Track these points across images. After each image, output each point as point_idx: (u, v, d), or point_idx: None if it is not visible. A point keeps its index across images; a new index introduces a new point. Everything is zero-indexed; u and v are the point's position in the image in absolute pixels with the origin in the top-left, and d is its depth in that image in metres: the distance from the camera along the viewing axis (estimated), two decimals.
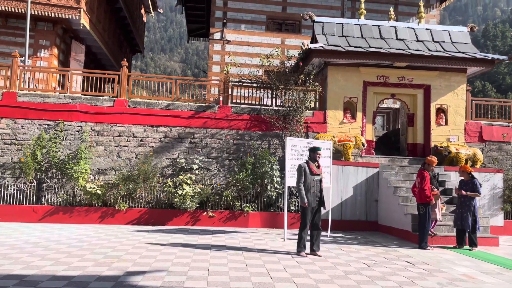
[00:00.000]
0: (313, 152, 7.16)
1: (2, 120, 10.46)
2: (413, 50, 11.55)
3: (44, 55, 15.40)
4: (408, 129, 12.18)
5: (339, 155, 10.95)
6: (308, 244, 7.03)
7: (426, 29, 12.54)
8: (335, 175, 10.26)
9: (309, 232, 7.08)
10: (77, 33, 17.08)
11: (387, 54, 11.17)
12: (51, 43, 15.61)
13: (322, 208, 7.07)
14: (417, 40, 12.13)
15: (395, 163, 11.24)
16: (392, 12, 12.96)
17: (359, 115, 11.65)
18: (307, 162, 7.12)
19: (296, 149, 8.87)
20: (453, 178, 10.65)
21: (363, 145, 10.98)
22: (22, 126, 10.54)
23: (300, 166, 7.05)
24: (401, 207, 9.33)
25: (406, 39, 12.09)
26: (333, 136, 10.94)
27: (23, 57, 13.26)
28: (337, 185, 10.41)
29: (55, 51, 15.79)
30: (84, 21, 15.64)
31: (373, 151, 11.76)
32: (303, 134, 11.40)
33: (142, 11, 27.46)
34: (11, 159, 10.37)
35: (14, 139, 10.46)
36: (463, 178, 8.51)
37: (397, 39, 12.09)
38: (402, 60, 11.34)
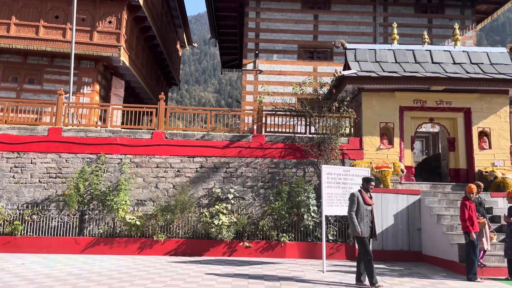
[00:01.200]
0: (367, 183, 7.11)
1: (48, 154, 10.97)
2: (450, 73, 11.29)
3: (87, 92, 16.20)
4: (450, 153, 11.76)
5: (377, 182, 10.66)
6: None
7: (463, 51, 12.28)
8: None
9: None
10: (117, 69, 17.93)
11: (423, 78, 10.96)
12: (93, 79, 16.43)
13: (372, 239, 7.02)
14: (454, 63, 11.87)
15: (437, 190, 10.81)
16: (426, 36, 12.82)
17: (396, 140, 11.39)
18: (360, 191, 7.05)
19: (332, 177, 8.74)
20: (500, 205, 10.09)
21: (402, 172, 10.67)
22: (66, 160, 11.01)
23: (353, 195, 6.99)
24: (446, 236, 8.89)
25: (442, 62, 11.86)
26: (370, 163, 10.72)
27: (68, 94, 13.99)
28: (377, 214, 10.07)
29: (97, 87, 16.59)
30: (124, 58, 16.41)
31: (413, 178, 11.39)
32: (339, 161, 11.24)
33: (178, 46, 28.56)
34: (56, 192, 10.79)
35: (59, 173, 10.92)
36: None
37: (433, 62, 11.88)
38: (439, 84, 11.08)
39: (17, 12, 16.07)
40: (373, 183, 7.14)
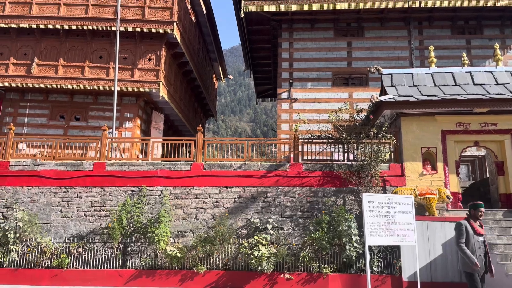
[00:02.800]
0: (475, 209, 6.59)
1: (93, 188, 11.38)
2: (493, 94, 10.87)
3: (129, 126, 16.85)
4: (499, 178, 11.15)
5: (422, 210, 10.25)
6: None
7: (506, 71, 11.84)
8: (420, 232, 9.54)
9: None
10: (157, 103, 18.61)
11: (465, 101, 10.61)
12: (135, 115, 17.10)
13: (486, 275, 6.38)
14: (497, 84, 11.45)
15: (487, 217, 10.21)
16: (465, 57, 12.50)
17: (440, 165, 10.96)
18: (467, 220, 6.54)
19: (374, 205, 8.47)
20: None
21: (449, 198, 10.19)
22: (110, 193, 11.36)
23: (460, 224, 6.48)
24: (501, 266, 8.33)
25: (484, 84, 11.47)
26: (414, 190, 10.33)
27: (111, 129, 14.60)
28: (423, 243, 9.64)
29: (138, 121, 17.23)
30: (163, 93, 17.03)
31: (461, 204, 10.85)
32: (380, 188, 10.92)
33: (214, 79, 29.36)
34: (100, 224, 11.11)
35: (103, 206, 11.26)
36: None
37: (474, 84, 11.52)
38: (483, 106, 10.68)
39: (64, 54, 17.18)
40: (482, 209, 6.56)
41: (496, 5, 16.76)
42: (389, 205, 8.65)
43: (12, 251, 10.36)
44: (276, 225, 10.89)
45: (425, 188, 10.43)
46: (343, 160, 11.59)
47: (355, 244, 9.96)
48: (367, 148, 11.21)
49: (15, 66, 17.04)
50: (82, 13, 17.09)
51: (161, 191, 11.36)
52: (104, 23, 16.87)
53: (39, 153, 12.52)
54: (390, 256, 10.00)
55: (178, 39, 17.63)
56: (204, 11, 21.85)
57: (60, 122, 17.12)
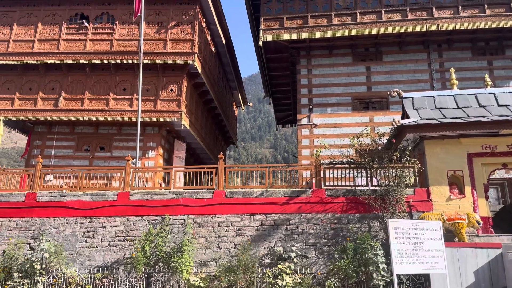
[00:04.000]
0: None
1: (117, 218, 11.51)
2: None
3: (151, 156, 17.12)
4: None
5: (450, 236, 9.91)
6: None
7: None
8: (450, 259, 9.19)
9: None
10: (178, 132, 18.91)
11: (491, 122, 10.38)
12: (157, 144, 17.40)
13: None
14: None
15: None
16: (487, 79, 12.33)
17: (467, 189, 10.65)
18: None
19: (400, 232, 8.28)
20: None
21: (478, 223, 9.84)
22: (133, 223, 11.45)
23: None
24: None
25: (509, 105, 11.23)
26: (441, 215, 10.03)
27: (134, 159, 14.85)
28: (454, 271, 9.25)
29: (160, 151, 17.50)
30: (185, 122, 17.33)
31: (491, 229, 10.44)
32: (406, 214, 10.64)
33: (234, 107, 29.74)
34: (124, 254, 11.15)
35: (127, 236, 11.33)
36: None
37: (499, 105, 11.29)
38: (509, 127, 10.41)
39: (89, 88, 17.80)
40: None
41: None
42: (417, 231, 8.42)
43: (39, 282, 10.46)
44: (300, 253, 10.69)
45: (453, 213, 10.12)
46: (367, 185, 11.40)
47: (382, 273, 9.65)
48: (391, 173, 11.01)
49: (43, 100, 17.72)
50: (107, 48, 17.78)
51: (184, 219, 11.37)
52: (127, 56, 17.48)
53: (65, 184, 12.82)
54: (419, 285, 9.63)
55: (199, 69, 18.05)
56: (224, 42, 22.39)
57: (86, 153, 17.56)
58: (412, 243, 8.17)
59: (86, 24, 18.30)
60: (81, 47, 17.89)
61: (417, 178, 11.32)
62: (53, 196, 11.91)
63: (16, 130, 20.23)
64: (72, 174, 13.05)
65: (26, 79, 18.17)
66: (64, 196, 11.89)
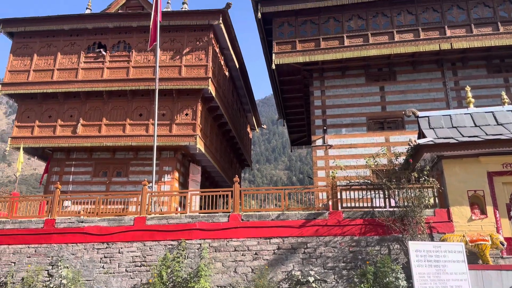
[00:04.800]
0: None
1: (133, 243, 11.51)
2: None
3: (167, 180, 17.23)
4: None
5: (474, 258, 9.59)
6: None
7: None
8: (474, 283, 8.87)
9: None
10: (194, 156, 19.04)
11: (510, 140, 10.18)
12: (173, 168, 17.53)
13: None
14: None
15: None
16: (504, 96, 12.17)
17: (489, 209, 10.37)
18: None
19: (422, 255, 8.07)
20: None
21: (503, 244, 9.52)
22: (150, 248, 11.43)
23: None
24: None
25: None
26: (463, 236, 9.74)
27: (151, 184, 14.95)
28: None
29: (176, 175, 17.60)
30: (200, 145, 17.46)
31: None
32: (426, 236, 10.37)
33: (248, 129, 29.91)
34: (141, 280, 11.09)
35: (143, 261, 11.30)
36: None
37: None
38: None
39: (107, 114, 18.17)
40: None
41: None
42: (438, 254, 8.21)
43: None
44: (319, 278, 10.47)
45: (476, 234, 9.83)
46: (385, 207, 11.19)
47: None
48: (409, 193, 10.80)
49: (61, 127, 18.14)
50: (124, 75, 18.22)
51: (200, 244, 11.30)
52: (143, 83, 17.87)
53: (83, 210, 12.94)
54: None
55: (213, 93, 18.30)
56: (237, 66, 22.73)
57: (103, 179, 17.77)
58: (434, 266, 7.94)
59: (104, 52, 18.84)
60: (99, 75, 18.37)
61: (436, 198, 11.09)
62: (71, 222, 12.02)
63: (36, 157, 20.69)
64: (89, 200, 13.17)
65: (46, 107, 18.68)
66: (82, 221, 11.99)
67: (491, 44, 16.81)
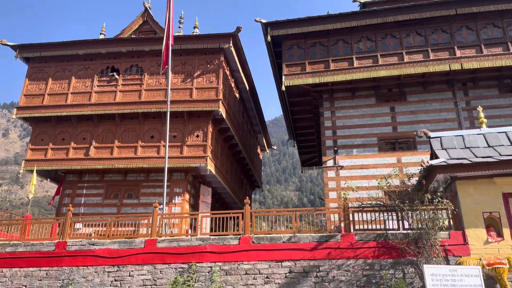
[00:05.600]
0: None
1: (144, 266, 11.44)
2: None
3: (178, 201, 17.22)
4: None
5: (491, 282, 9.33)
6: None
7: None
8: None
9: None
10: (204, 177, 19.05)
11: None
12: (183, 190, 17.54)
13: None
14: None
15: None
16: None
17: (506, 231, 10.12)
18: None
19: (437, 279, 7.88)
20: None
21: None
22: (160, 271, 11.35)
23: None
24: None
25: None
26: (480, 259, 9.50)
27: (161, 205, 14.96)
28: None
29: (187, 196, 17.60)
30: (210, 167, 17.50)
31: None
32: (442, 259, 10.13)
33: (258, 150, 29.93)
34: None
35: (154, 284, 11.20)
36: None
37: None
38: None
39: (119, 136, 18.38)
40: None
41: None
42: (455, 278, 8.00)
43: None
44: None
45: (493, 257, 9.57)
46: (398, 229, 11.00)
47: None
48: (423, 215, 10.62)
49: (74, 150, 18.38)
50: (136, 98, 18.51)
51: (211, 267, 11.19)
52: (155, 105, 18.12)
53: (94, 232, 12.95)
54: None
55: (224, 115, 18.44)
56: (247, 87, 22.95)
57: (114, 201, 17.84)
58: None
59: (117, 76, 19.22)
60: (112, 98, 18.69)
61: (451, 220, 10.88)
62: (82, 245, 12.02)
63: (48, 179, 20.91)
64: (100, 222, 13.20)
65: (59, 130, 18.99)
66: (93, 244, 11.98)
67: (501, 64, 16.75)
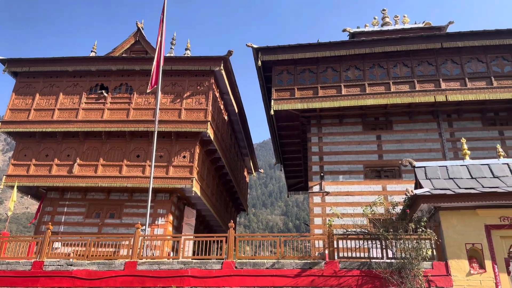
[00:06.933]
0: None
1: None
2: None
3: (161, 223, 16.95)
4: None
5: None
6: None
7: None
8: None
9: None
10: (189, 199, 18.85)
11: (506, 193, 10.15)
12: (167, 211, 17.29)
13: None
14: None
15: None
16: (500, 149, 12.28)
17: (488, 263, 10.15)
18: None
19: None
20: None
21: None
22: None
23: None
24: None
25: None
26: None
27: (144, 227, 14.68)
28: None
29: (170, 218, 17.34)
30: (196, 188, 17.34)
31: None
32: None
33: (245, 173, 29.83)
34: None
35: None
36: None
37: None
38: None
39: (104, 154, 18.17)
40: None
41: None
42: None
43: None
44: None
45: None
46: (382, 257, 10.95)
47: None
48: (407, 244, 10.62)
49: (58, 166, 18.07)
50: (124, 116, 18.42)
51: None
52: (143, 124, 18.04)
53: (73, 252, 12.60)
54: None
55: (212, 137, 18.43)
56: (236, 110, 23.07)
57: (96, 220, 17.47)
58: None
59: (105, 94, 19.16)
60: (99, 116, 18.56)
61: (434, 250, 10.88)
62: (60, 265, 11.66)
63: (29, 196, 20.43)
64: (80, 242, 12.87)
65: (43, 146, 18.70)
66: (71, 265, 11.63)
67: (485, 98, 17.20)
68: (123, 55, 20.85)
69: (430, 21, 26.71)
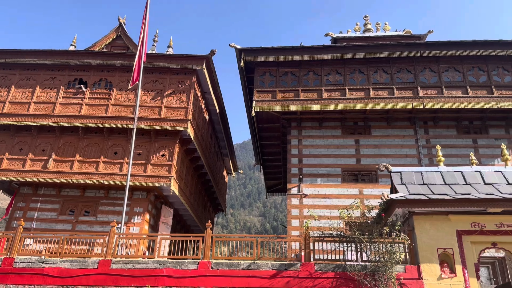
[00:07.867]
0: None
1: None
2: (506, 194, 10.74)
3: (137, 221, 16.73)
4: None
5: None
6: None
7: None
8: None
9: None
10: (167, 198, 18.67)
11: (478, 200, 10.46)
12: (144, 209, 17.08)
13: None
14: (508, 183, 11.37)
15: None
16: (473, 157, 12.64)
17: (458, 268, 10.43)
18: None
19: None
20: None
21: None
22: None
23: None
24: None
25: (495, 183, 11.41)
26: None
27: (119, 225, 14.47)
28: None
29: (147, 216, 17.14)
30: (174, 187, 17.19)
31: None
32: None
33: (224, 173, 29.76)
34: None
35: None
36: None
37: (485, 183, 11.45)
38: (496, 206, 10.48)
39: (81, 151, 17.82)
40: None
41: (499, 107, 17.41)
42: None
43: None
44: None
45: None
46: (357, 260, 11.11)
47: None
48: (381, 248, 10.81)
49: (32, 161, 17.62)
50: (102, 112, 18.11)
51: None
52: (122, 121, 17.77)
53: (45, 249, 12.31)
54: None
55: (192, 136, 18.31)
56: (217, 110, 22.99)
57: (70, 217, 17.11)
58: None
59: (84, 89, 18.80)
60: (77, 111, 18.20)
61: (407, 254, 11.11)
62: (31, 262, 11.38)
63: (1, 190, 19.85)
64: (53, 239, 12.59)
65: (18, 140, 18.21)
66: (43, 262, 11.37)
67: (460, 107, 17.67)
68: (104, 50, 20.50)
69: (410, 29, 27.29)
